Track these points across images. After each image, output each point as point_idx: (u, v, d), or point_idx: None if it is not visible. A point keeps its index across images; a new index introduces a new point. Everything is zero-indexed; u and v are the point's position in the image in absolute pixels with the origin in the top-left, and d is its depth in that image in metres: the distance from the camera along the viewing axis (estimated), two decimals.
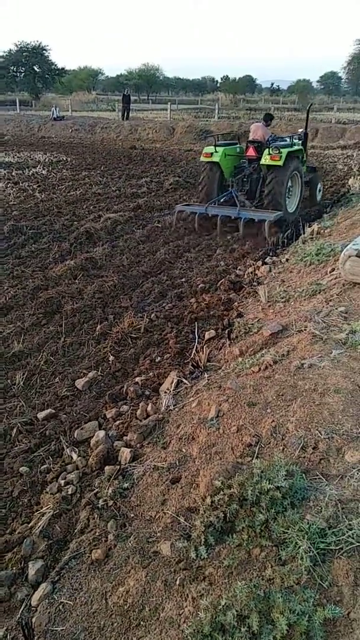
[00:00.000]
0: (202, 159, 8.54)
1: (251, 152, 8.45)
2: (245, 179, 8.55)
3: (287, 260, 6.16)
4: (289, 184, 8.10)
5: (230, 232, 7.88)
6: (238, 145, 8.98)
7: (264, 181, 8.10)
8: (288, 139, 8.43)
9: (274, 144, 8.08)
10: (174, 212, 8.56)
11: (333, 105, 35.61)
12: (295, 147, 8.22)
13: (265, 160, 7.71)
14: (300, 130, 9.69)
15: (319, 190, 9.76)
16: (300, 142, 8.83)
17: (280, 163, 7.57)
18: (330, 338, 3.29)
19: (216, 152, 8.31)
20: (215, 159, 8.31)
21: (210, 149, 8.38)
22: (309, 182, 9.27)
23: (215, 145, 8.37)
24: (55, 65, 52.73)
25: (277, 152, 7.59)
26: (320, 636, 1.47)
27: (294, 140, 8.44)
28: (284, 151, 7.63)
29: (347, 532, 1.78)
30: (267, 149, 7.79)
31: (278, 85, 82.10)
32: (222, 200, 8.42)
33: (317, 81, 75.95)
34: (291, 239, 7.33)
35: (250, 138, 8.72)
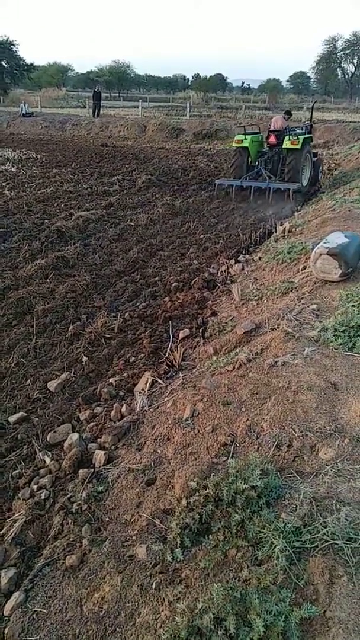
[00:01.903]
0: (234, 144, 10.67)
1: (272, 139, 10.52)
2: (268, 160, 10.65)
3: (259, 258, 6.20)
4: (303, 163, 10.15)
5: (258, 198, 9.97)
6: (260, 134, 11.17)
7: (284, 161, 10.22)
8: (300, 129, 10.62)
9: (293, 132, 10.18)
10: (215, 185, 10.64)
11: (302, 105, 36.03)
12: (308, 135, 10.45)
13: (287, 144, 9.80)
14: (307, 122, 11.77)
15: (320, 172, 11.90)
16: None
17: (299, 146, 9.70)
18: (303, 336, 3.32)
19: (245, 139, 10.42)
20: (245, 144, 10.42)
21: (241, 136, 10.51)
22: (313, 165, 11.13)
23: (245, 134, 10.54)
24: (24, 60, 51.67)
25: (296, 138, 9.72)
26: (297, 636, 1.47)
27: (307, 130, 10.71)
28: (301, 137, 9.77)
29: (322, 529, 1.79)
30: (287, 136, 9.89)
31: (249, 84, 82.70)
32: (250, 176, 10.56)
33: (287, 81, 76.75)
34: (263, 237, 7.38)
35: (272, 128, 10.81)
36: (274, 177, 10.42)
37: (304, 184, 10.34)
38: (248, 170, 10.60)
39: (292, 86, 74.15)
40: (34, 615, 2.01)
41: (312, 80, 70.81)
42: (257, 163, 10.68)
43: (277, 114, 12.71)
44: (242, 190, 10.24)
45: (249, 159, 10.67)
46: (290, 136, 9.81)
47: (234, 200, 10.11)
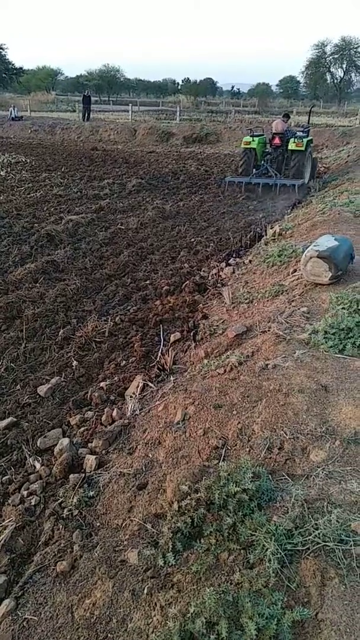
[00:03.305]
0: (243, 145, 11.99)
1: (277, 141, 11.81)
2: (273, 160, 11.94)
3: (250, 261, 6.22)
4: (306, 162, 11.57)
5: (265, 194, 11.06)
6: (264, 136, 12.42)
7: (288, 160, 11.66)
8: (301, 132, 11.91)
9: (298, 135, 11.57)
10: (225, 182, 11.67)
11: (292, 109, 36.25)
12: (309, 138, 11.89)
13: (292, 146, 11.22)
14: (307, 126, 13.14)
15: (316, 170, 13.38)
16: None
17: (303, 148, 11.14)
18: (294, 338, 3.33)
19: (253, 140, 11.72)
20: (253, 145, 11.72)
21: (249, 138, 11.83)
22: (312, 163, 12.52)
23: (252, 136, 11.87)
24: (13, 64, 51.61)
25: (301, 140, 11.12)
26: (289, 639, 1.47)
27: (306, 132, 12.02)
28: (305, 140, 11.22)
29: (313, 531, 1.79)
30: (292, 138, 11.28)
31: (239, 89, 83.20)
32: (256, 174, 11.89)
33: (277, 85, 77.20)
34: (254, 241, 7.41)
35: (274, 131, 12.00)
36: (279, 174, 11.71)
37: (306, 180, 11.77)
38: (254, 168, 11.91)
39: (281, 90, 74.58)
40: (25, 623, 1.99)
41: (301, 84, 71.21)
42: (262, 162, 11.97)
43: (277, 117, 14.22)
44: (250, 187, 11.36)
45: (256, 159, 11.93)
46: (296, 139, 11.22)
47: (240, 197, 11.04)
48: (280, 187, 10.90)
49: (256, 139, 11.82)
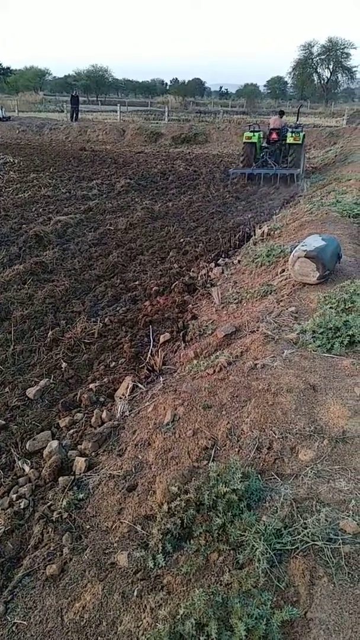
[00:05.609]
0: (245, 140, 13.43)
1: (274, 136, 13.45)
2: (271, 153, 13.37)
3: (239, 261, 6.24)
4: (301, 155, 13.11)
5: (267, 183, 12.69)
6: (261, 131, 13.86)
7: (286, 153, 13.24)
8: (296, 128, 13.61)
9: (295, 130, 13.17)
10: (230, 174, 13.32)
11: (279, 109, 36.39)
12: (303, 133, 13.30)
13: (290, 140, 12.86)
14: (299, 124, 15.26)
15: (305, 161, 14.49)
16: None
17: (300, 142, 12.82)
18: (282, 338, 3.34)
19: (254, 135, 13.22)
20: (254, 140, 13.22)
21: (250, 134, 13.31)
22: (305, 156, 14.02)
23: (252, 132, 13.35)
24: (0, 64, 51.21)
25: (297, 134, 12.80)
26: (278, 639, 1.47)
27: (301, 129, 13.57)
28: (301, 134, 12.90)
29: (302, 531, 1.80)
30: (289, 133, 12.95)
31: (227, 89, 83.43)
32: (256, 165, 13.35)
33: (264, 85, 77.51)
34: (242, 241, 7.43)
35: (271, 127, 13.68)
36: (277, 165, 13.06)
37: (301, 170, 13.13)
38: (254, 160, 13.32)
39: (269, 91, 74.85)
40: (14, 628, 1.97)
41: (288, 85, 71.47)
42: (261, 155, 13.36)
43: (268, 117, 16.23)
44: (253, 176, 12.86)
45: (255, 152, 13.33)
46: (293, 133, 12.84)
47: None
48: (280, 177, 12.54)
49: (256, 134, 13.29)
